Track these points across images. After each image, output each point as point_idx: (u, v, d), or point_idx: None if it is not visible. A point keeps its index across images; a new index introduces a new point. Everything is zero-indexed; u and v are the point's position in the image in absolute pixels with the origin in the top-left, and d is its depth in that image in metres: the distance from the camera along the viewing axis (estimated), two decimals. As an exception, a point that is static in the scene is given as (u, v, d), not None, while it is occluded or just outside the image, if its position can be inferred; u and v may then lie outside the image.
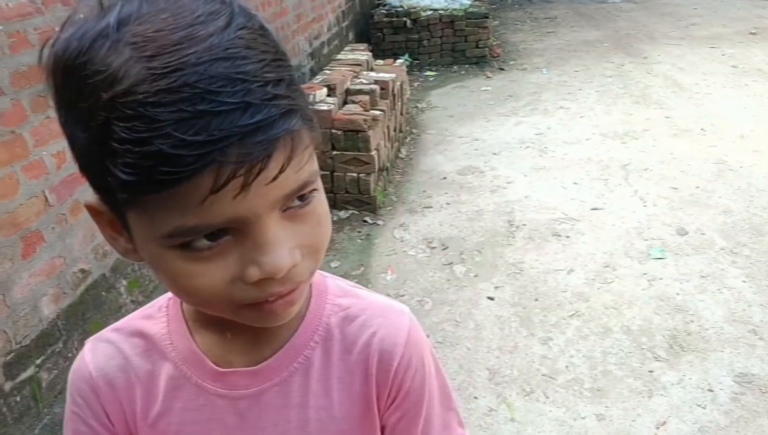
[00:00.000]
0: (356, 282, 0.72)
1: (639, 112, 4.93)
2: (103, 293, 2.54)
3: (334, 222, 3.58)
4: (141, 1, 0.46)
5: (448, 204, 3.69)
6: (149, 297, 2.82)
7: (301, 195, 0.50)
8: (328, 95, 3.58)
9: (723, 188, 3.59)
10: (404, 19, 6.54)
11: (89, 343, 0.66)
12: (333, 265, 3.17)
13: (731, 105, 4.86)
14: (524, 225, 3.40)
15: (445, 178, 4.05)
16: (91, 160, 0.47)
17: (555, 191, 3.75)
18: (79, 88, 0.45)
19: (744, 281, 2.77)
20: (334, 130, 3.47)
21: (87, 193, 0.52)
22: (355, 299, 0.67)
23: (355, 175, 3.56)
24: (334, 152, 3.53)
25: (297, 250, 0.51)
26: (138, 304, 2.75)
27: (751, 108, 4.76)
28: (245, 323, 0.55)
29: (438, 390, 0.69)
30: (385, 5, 6.75)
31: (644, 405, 2.17)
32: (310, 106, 0.50)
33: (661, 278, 2.85)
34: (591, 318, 2.63)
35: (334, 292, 0.67)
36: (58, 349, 2.26)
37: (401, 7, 6.64)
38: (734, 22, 7.35)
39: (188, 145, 0.42)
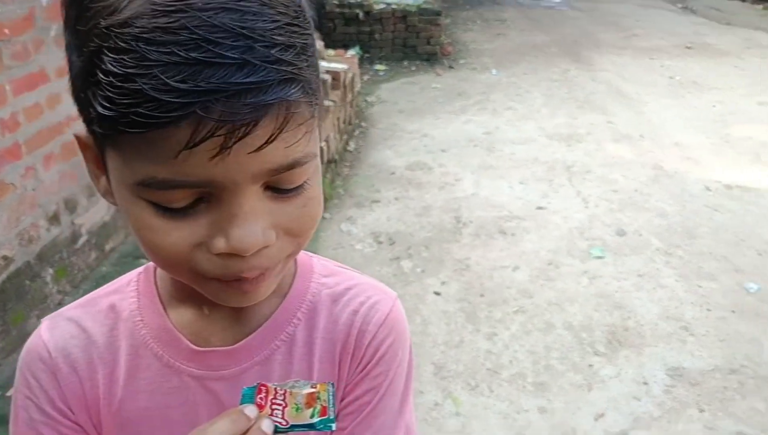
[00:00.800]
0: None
1: (583, 116, 5.08)
2: (27, 282, 2.38)
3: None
4: None
5: (396, 199, 3.68)
6: (77, 287, 2.66)
7: (292, 182, 0.47)
8: (278, 83, 3.48)
9: (659, 192, 3.74)
10: (357, 11, 6.49)
11: (47, 321, 0.61)
12: (278, 256, 3.10)
13: (668, 114, 5.08)
14: (471, 222, 3.42)
15: (393, 173, 4.04)
16: (80, 87, 0.45)
17: (502, 190, 3.81)
18: (81, 12, 0.44)
19: (677, 280, 2.89)
20: (283, 119, 3.39)
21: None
22: (341, 278, 0.64)
23: (303, 165, 3.49)
24: (283, 141, 3.44)
25: (273, 230, 0.48)
26: (66, 295, 2.59)
27: (686, 118, 4.99)
28: (210, 297, 0.52)
29: (402, 395, 0.64)
30: (338, -4, 6.67)
31: (584, 398, 2.22)
32: (319, 81, 0.47)
33: (601, 276, 2.93)
34: (535, 314, 2.67)
35: (320, 271, 0.64)
36: (-24, 339, 2.09)
37: (354, -1, 6.58)
38: (672, 36, 7.70)
39: (171, 90, 0.39)
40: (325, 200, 3.34)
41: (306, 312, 0.61)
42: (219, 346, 0.58)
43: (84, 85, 0.43)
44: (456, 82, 6.02)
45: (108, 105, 0.41)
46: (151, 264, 0.62)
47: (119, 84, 0.40)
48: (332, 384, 0.50)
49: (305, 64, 0.44)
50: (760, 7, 9.35)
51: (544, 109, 5.26)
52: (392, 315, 0.62)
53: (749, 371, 2.32)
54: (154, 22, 0.40)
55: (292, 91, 0.43)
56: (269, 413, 0.47)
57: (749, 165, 4.11)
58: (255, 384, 0.48)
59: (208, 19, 0.40)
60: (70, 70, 0.47)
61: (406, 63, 6.59)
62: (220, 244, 0.46)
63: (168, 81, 0.39)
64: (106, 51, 0.41)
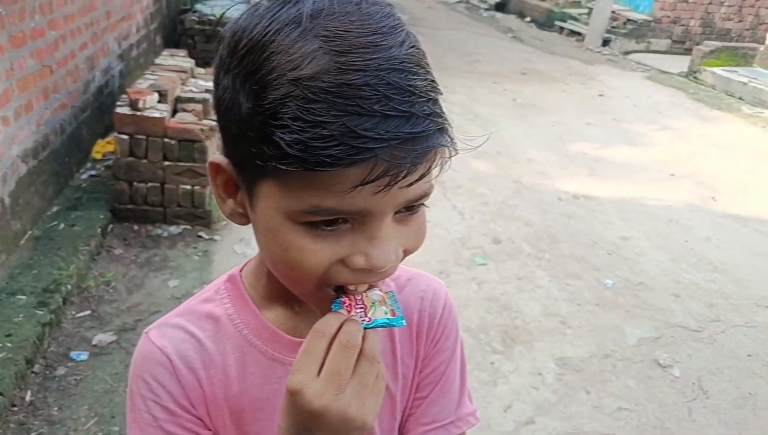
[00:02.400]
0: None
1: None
2: None
3: (164, 238, 3.33)
4: (332, 0, 0.50)
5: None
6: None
7: (414, 208, 0.56)
8: (159, 101, 3.32)
9: (522, 203, 4.20)
10: (217, 28, 6.33)
11: (154, 331, 0.66)
12: (171, 283, 2.95)
13: (517, 133, 5.68)
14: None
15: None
16: (252, 127, 0.49)
17: (385, 205, 3.99)
18: (261, 63, 0.49)
19: (549, 281, 3.28)
20: (167, 140, 3.23)
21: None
22: (401, 272, 0.73)
23: (188, 187, 3.35)
24: (166, 163, 3.29)
25: (400, 250, 0.56)
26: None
27: (532, 136, 5.63)
28: (313, 306, 0.59)
29: (460, 361, 0.77)
30: (195, 11, 6.46)
31: (492, 393, 2.44)
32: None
33: (487, 281, 3.22)
34: (435, 321, 2.86)
35: None
36: None
37: (213, 15, 6.41)
38: (508, 63, 8.60)
39: (358, 137, 0.46)
40: (213, 222, 3.23)
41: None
42: None
43: (262, 126, 0.49)
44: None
45: (299, 146, 0.47)
46: (234, 272, 0.69)
47: (311, 129, 0.46)
48: (393, 292, 0.60)
49: (445, 116, 0.53)
50: (574, 39, 10.82)
51: (410, 128, 5.58)
52: (449, 298, 0.76)
53: (618, 354, 2.72)
54: (341, 79, 0.47)
55: (444, 138, 0.52)
56: (354, 313, 0.56)
57: (588, 177, 4.76)
58: (340, 298, 0.57)
59: (383, 78, 0.48)
60: (229, 108, 0.52)
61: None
62: (360, 261, 0.53)
63: (356, 129, 0.46)
64: (293, 99, 0.47)
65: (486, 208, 4.09)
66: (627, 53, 9.88)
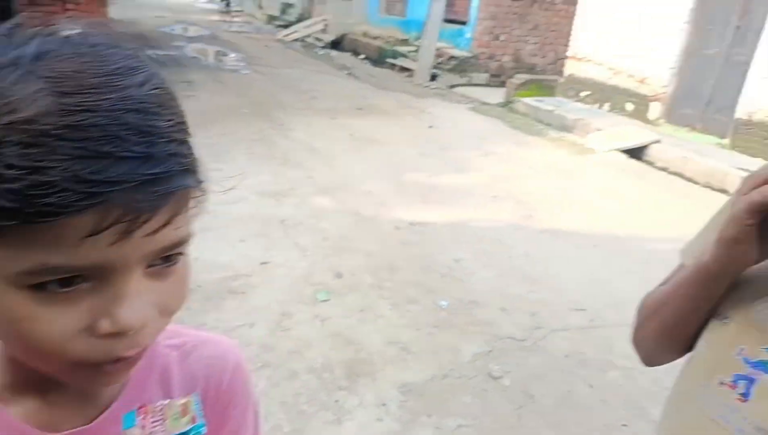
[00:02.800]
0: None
1: (285, 172, 5.48)
2: None
3: None
4: (63, 42, 0.46)
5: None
6: None
7: (168, 255, 0.50)
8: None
9: (362, 236, 4.30)
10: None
11: None
12: None
13: (356, 167, 5.86)
14: (199, 287, 3.38)
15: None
16: None
17: (223, 250, 3.85)
18: None
19: (390, 309, 3.38)
20: None
21: None
22: (187, 338, 0.68)
23: None
24: None
25: (155, 309, 0.50)
26: None
27: (370, 169, 5.83)
28: (75, 385, 0.53)
29: (253, 428, 0.71)
30: None
31: (337, 432, 2.42)
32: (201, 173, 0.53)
33: (330, 317, 3.23)
34: (278, 365, 2.79)
35: (164, 334, 0.64)
36: None
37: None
38: (344, 99, 8.89)
39: (82, 181, 0.42)
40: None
41: (158, 377, 0.63)
42: (73, 428, 0.57)
43: None
44: (154, 144, 5.83)
45: (13, 196, 0.41)
46: None
47: (28, 176, 0.41)
48: (197, 394, 0.56)
49: (193, 157, 0.50)
50: (405, 75, 11.51)
51: (249, 168, 5.50)
52: (240, 361, 0.70)
53: (455, 373, 2.86)
54: (64, 121, 0.42)
55: (189, 180, 0.48)
56: (151, 430, 0.51)
57: (421, 204, 5.03)
58: (134, 408, 0.51)
59: (116, 118, 0.43)
60: None
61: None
62: (105, 325, 0.47)
63: (80, 174, 0.42)
64: (8, 145, 0.42)
65: (327, 243, 4.13)
66: (452, 87, 10.72)
